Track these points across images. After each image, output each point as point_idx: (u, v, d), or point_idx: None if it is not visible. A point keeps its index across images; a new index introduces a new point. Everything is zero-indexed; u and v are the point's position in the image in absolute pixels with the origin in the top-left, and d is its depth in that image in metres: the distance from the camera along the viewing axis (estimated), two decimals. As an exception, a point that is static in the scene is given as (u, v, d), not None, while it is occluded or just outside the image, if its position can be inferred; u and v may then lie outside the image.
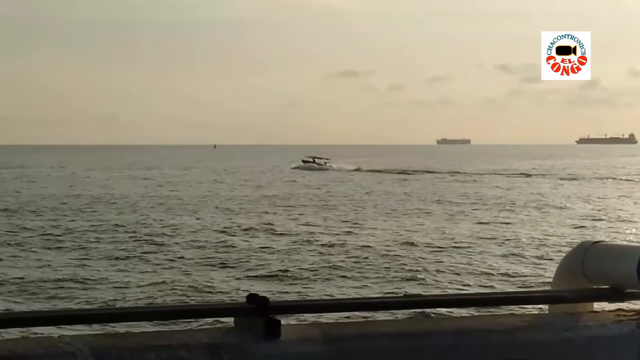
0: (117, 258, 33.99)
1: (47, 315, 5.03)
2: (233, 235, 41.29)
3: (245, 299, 4.58)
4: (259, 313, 4.49)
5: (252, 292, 4.72)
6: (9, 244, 37.95)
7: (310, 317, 6.01)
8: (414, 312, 13.87)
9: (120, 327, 5.49)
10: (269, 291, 25.93)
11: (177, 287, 27.45)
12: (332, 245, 37.34)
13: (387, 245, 37.14)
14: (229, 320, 4.72)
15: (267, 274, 30.51)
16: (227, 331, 4.60)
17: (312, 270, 30.80)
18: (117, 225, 45.74)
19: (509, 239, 39.60)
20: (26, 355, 4.07)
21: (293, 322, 4.87)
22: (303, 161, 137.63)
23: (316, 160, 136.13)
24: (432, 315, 14.43)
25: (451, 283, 28.40)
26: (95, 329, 11.97)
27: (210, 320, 14.13)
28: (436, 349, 4.75)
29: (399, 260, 32.80)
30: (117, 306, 21.86)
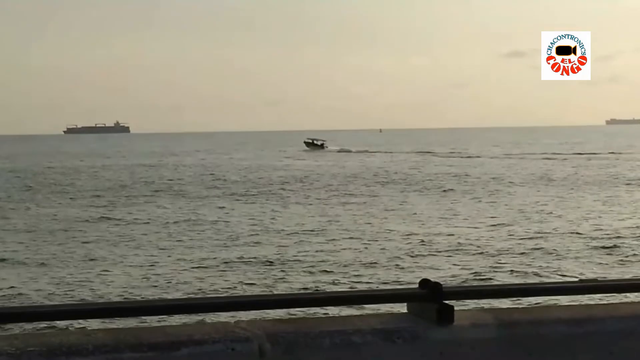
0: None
1: (222, 302, 5.11)
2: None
3: (417, 285, 4.58)
4: (432, 298, 4.48)
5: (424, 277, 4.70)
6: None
7: (481, 302, 5.96)
8: (589, 297, 13.60)
9: (294, 313, 5.57)
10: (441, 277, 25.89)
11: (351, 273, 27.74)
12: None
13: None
14: (402, 306, 4.72)
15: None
16: (400, 317, 4.59)
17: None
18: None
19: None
20: (204, 340, 4.13)
21: (463, 308, 4.84)
22: (305, 143, 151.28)
23: (315, 141, 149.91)
24: (607, 301, 14.12)
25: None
26: (269, 314, 12.22)
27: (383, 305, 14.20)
28: (611, 334, 4.66)
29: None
30: (288, 292, 22.19)
